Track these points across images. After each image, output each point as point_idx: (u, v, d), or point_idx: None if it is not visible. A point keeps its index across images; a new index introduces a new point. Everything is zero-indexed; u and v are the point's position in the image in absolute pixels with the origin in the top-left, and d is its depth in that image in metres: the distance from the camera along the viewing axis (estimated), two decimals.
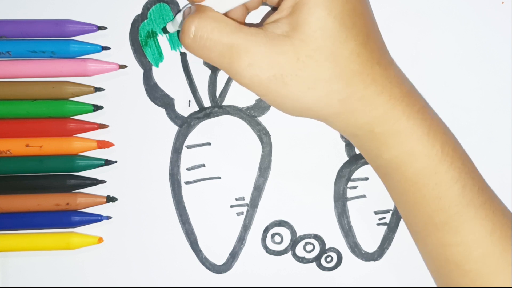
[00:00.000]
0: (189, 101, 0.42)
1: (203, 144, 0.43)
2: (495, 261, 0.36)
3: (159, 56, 0.43)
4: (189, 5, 0.38)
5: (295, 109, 0.36)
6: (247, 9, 0.39)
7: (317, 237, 0.44)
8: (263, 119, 0.43)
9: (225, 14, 0.36)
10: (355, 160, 0.44)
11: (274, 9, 0.40)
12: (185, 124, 0.43)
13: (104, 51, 0.42)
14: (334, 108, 0.35)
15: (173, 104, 0.43)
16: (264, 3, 0.40)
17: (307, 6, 0.34)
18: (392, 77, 0.36)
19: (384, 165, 0.37)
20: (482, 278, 0.36)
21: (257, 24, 0.42)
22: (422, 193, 0.36)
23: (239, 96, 0.43)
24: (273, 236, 0.44)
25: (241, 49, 0.34)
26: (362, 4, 0.35)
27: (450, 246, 0.37)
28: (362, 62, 0.35)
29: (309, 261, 0.44)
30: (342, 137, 0.44)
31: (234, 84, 0.43)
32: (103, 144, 0.42)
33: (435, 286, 0.43)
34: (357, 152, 0.44)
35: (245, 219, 0.44)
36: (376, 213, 0.44)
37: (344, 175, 0.44)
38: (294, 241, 0.44)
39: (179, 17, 0.39)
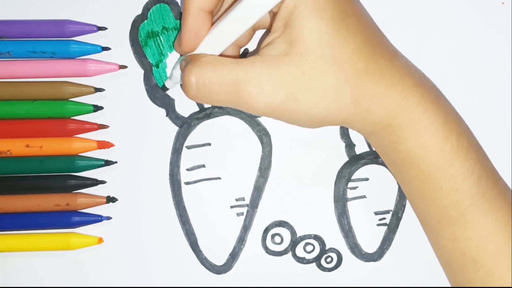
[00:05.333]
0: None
1: (203, 145, 0.43)
2: (510, 255, 0.36)
3: (159, 57, 0.43)
4: (182, 58, 0.38)
5: (313, 122, 0.36)
6: (239, 46, 0.39)
7: (317, 237, 0.44)
8: (263, 120, 0.43)
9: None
10: (355, 161, 0.44)
11: (267, 31, 0.40)
12: (185, 125, 0.43)
13: (104, 52, 0.42)
14: (349, 110, 0.35)
15: (174, 105, 0.43)
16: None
17: (297, 20, 0.33)
18: (400, 68, 0.36)
19: (400, 158, 0.37)
20: (497, 272, 0.36)
21: (253, 51, 0.42)
22: (438, 185, 0.36)
23: None
24: (273, 236, 0.44)
25: (245, 82, 0.34)
26: (351, 4, 0.35)
27: (465, 240, 0.37)
28: (366, 60, 0.35)
29: (309, 261, 0.44)
30: (342, 137, 0.44)
31: None
32: (103, 145, 0.42)
33: (436, 286, 0.43)
34: (357, 152, 0.44)
35: (245, 220, 0.44)
36: (376, 213, 0.44)
37: (344, 176, 0.44)
38: (294, 242, 0.44)
39: (176, 72, 0.39)
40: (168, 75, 0.43)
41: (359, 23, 0.35)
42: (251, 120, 0.43)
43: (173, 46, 0.42)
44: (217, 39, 0.35)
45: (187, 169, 0.43)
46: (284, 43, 0.34)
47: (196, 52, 0.36)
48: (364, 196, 0.44)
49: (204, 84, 0.34)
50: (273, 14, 0.36)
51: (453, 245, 0.37)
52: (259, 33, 0.42)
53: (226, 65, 0.34)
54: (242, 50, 0.42)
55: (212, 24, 0.36)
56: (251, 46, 0.42)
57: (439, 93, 0.38)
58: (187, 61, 0.36)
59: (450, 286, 0.41)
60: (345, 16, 0.34)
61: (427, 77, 0.39)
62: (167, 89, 0.42)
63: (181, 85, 0.40)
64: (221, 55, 0.37)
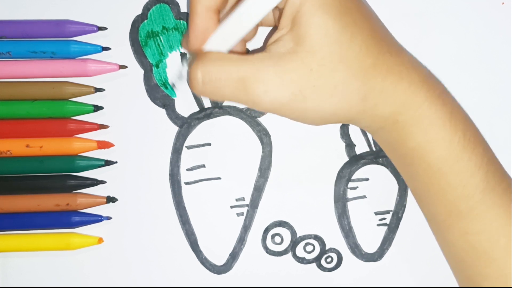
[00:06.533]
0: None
1: (203, 145, 0.43)
2: None
3: (159, 57, 0.43)
4: (188, 56, 0.38)
5: (321, 119, 0.36)
6: (244, 41, 0.39)
7: (317, 237, 0.44)
8: (263, 120, 0.43)
9: None
10: (355, 161, 0.44)
11: (274, 28, 0.40)
12: (185, 125, 0.43)
13: (104, 52, 0.42)
14: (358, 107, 0.35)
15: (174, 105, 0.43)
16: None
17: (304, 17, 0.33)
18: (406, 63, 0.36)
19: (408, 154, 0.37)
20: (508, 266, 0.36)
21: (260, 48, 0.42)
22: (446, 180, 0.36)
23: None
24: (273, 236, 0.44)
25: (252, 79, 0.34)
26: (355, 0, 0.35)
27: (476, 234, 0.36)
28: (373, 55, 0.34)
29: (309, 261, 0.44)
30: (342, 137, 0.44)
31: None
32: (103, 145, 0.42)
33: (435, 286, 0.43)
34: (358, 152, 0.44)
35: (245, 220, 0.44)
36: (376, 213, 0.44)
37: (344, 176, 0.44)
38: (294, 242, 0.44)
39: (184, 70, 0.39)
40: (169, 74, 0.43)
41: (365, 19, 0.35)
42: (251, 120, 0.43)
43: (181, 44, 0.42)
44: (224, 37, 0.35)
45: (187, 169, 0.43)
46: (291, 40, 0.34)
47: (205, 48, 0.36)
48: (364, 196, 0.44)
49: (211, 80, 0.34)
50: (279, 11, 0.36)
51: (464, 239, 0.37)
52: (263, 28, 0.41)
53: (232, 61, 0.34)
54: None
55: (219, 22, 0.36)
56: (253, 44, 0.42)
57: (445, 89, 0.38)
58: (194, 59, 0.36)
59: (450, 286, 0.41)
60: (351, 11, 0.34)
61: (432, 73, 0.39)
62: (176, 87, 0.42)
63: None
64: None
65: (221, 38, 0.35)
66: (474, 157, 0.36)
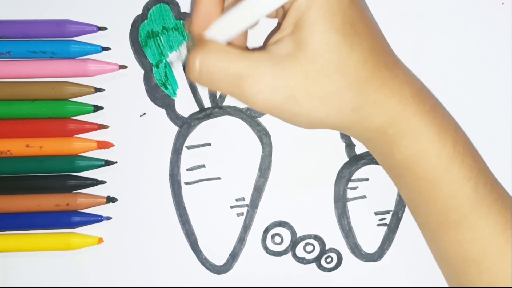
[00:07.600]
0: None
1: (203, 145, 0.43)
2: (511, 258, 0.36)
3: (159, 57, 0.43)
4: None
5: (310, 124, 0.36)
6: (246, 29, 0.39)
7: (317, 237, 0.44)
8: (263, 120, 0.43)
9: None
10: (355, 161, 0.44)
11: (276, 26, 0.41)
12: (185, 125, 0.43)
13: (104, 52, 0.42)
14: (348, 117, 0.35)
15: (174, 105, 0.43)
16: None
17: (308, 23, 0.33)
18: (400, 78, 0.36)
19: (397, 165, 0.37)
20: (501, 273, 0.36)
21: (261, 46, 0.42)
22: (435, 191, 0.36)
23: None
24: (273, 236, 0.44)
25: (248, 77, 0.34)
26: (360, 10, 0.35)
27: (466, 243, 0.37)
28: (370, 68, 0.35)
29: (309, 261, 0.44)
30: (342, 137, 0.44)
31: None
32: (103, 145, 0.42)
33: (435, 286, 0.43)
34: (358, 153, 0.44)
35: (245, 220, 0.44)
36: (376, 213, 0.44)
37: (344, 176, 0.44)
38: (294, 242, 0.44)
39: (183, 49, 0.39)
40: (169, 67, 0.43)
41: (367, 31, 0.35)
42: (251, 120, 0.43)
43: (183, 26, 0.42)
44: (228, 26, 0.35)
45: (187, 169, 0.43)
46: (292, 44, 0.34)
47: (206, 34, 0.36)
48: (364, 196, 0.44)
49: (208, 70, 0.34)
50: (283, 10, 0.36)
51: (456, 248, 0.37)
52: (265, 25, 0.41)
53: (232, 56, 0.34)
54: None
55: (223, 8, 0.36)
56: (253, 39, 0.42)
57: (436, 102, 0.38)
58: (194, 42, 0.36)
59: (449, 286, 0.41)
60: (354, 22, 0.34)
61: (425, 86, 0.39)
62: (172, 66, 0.42)
63: (184, 67, 0.40)
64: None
65: (224, 26, 0.35)
66: (463, 169, 0.36)
